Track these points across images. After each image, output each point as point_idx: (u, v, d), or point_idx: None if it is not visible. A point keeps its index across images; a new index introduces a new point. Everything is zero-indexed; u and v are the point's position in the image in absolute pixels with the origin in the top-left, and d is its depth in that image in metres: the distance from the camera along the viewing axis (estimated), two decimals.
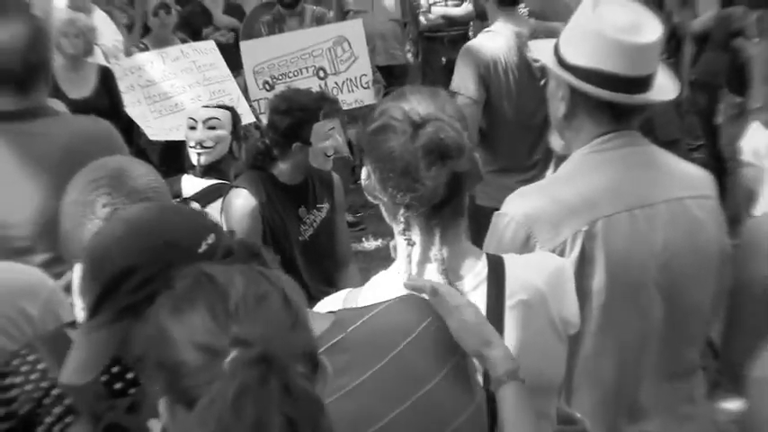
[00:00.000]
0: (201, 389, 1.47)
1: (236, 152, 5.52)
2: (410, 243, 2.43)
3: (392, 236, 2.55)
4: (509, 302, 2.40)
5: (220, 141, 5.35)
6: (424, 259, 2.46)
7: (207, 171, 5.42)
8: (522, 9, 7.01)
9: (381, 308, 2.14)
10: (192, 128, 5.54)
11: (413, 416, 2.02)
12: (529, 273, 2.47)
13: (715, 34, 8.45)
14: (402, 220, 2.42)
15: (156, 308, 1.64)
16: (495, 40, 5.76)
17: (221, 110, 5.64)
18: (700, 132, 9.35)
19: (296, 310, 1.63)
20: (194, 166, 5.51)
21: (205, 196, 5.08)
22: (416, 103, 2.41)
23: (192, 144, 5.50)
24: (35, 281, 2.89)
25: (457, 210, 2.46)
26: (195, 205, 4.94)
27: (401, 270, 2.46)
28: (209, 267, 1.66)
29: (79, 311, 2.13)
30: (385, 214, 2.53)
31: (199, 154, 5.45)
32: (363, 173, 2.49)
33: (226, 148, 5.30)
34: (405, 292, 2.32)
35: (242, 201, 4.67)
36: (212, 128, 5.42)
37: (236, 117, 5.51)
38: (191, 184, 5.35)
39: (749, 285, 2.98)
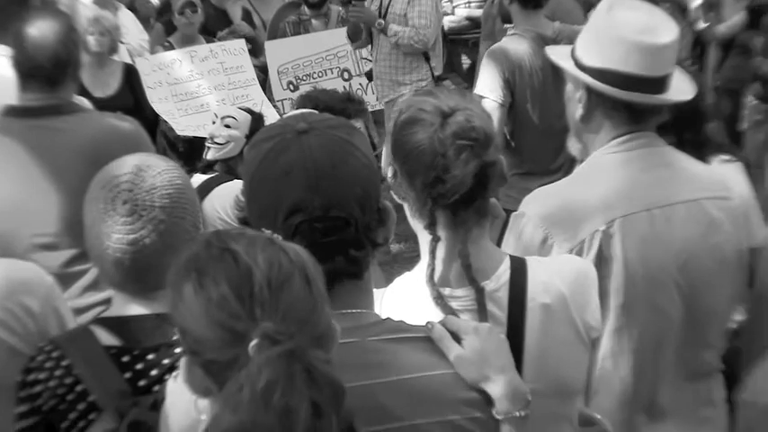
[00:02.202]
0: (224, 365, 1.56)
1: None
2: (435, 239, 2.42)
3: (415, 238, 2.54)
4: (531, 305, 2.39)
5: (232, 141, 5.29)
6: (449, 256, 2.44)
7: (210, 167, 5.36)
8: None
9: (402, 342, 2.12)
10: (213, 122, 5.52)
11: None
12: (552, 276, 2.45)
13: (740, 40, 8.41)
14: (428, 214, 2.41)
15: (179, 276, 1.68)
16: (519, 44, 5.74)
17: (242, 111, 5.57)
18: (723, 139, 9.31)
19: (316, 291, 1.67)
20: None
21: (202, 191, 4.96)
22: (444, 97, 2.42)
23: (207, 137, 5.48)
24: (34, 277, 2.89)
25: (481, 210, 2.45)
26: None
27: (425, 266, 2.44)
28: (234, 242, 1.68)
29: None
30: (409, 213, 2.51)
31: (208, 147, 5.40)
32: (390, 171, 2.48)
33: (238, 149, 5.24)
34: (425, 291, 2.36)
35: (236, 185, 4.65)
36: (228, 126, 5.37)
37: (257, 123, 5.46)
38: (194, 181, 5.24)
39: None
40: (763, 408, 1.89)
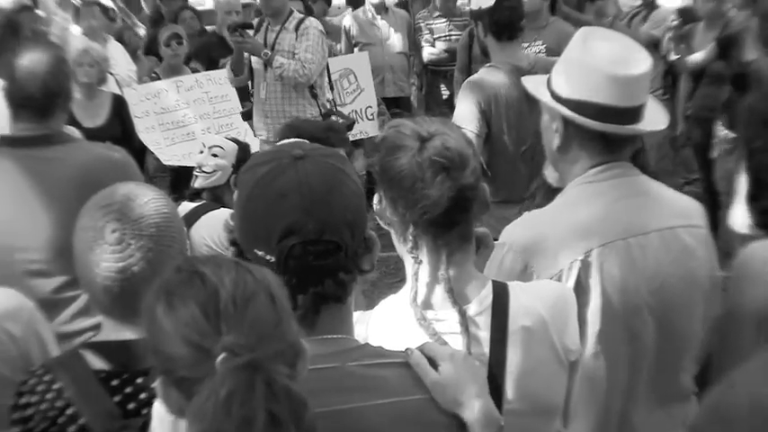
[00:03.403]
0: (194, 381, 1.57)
1: (233, 185, 5.44)
2: (417, 261, 2.44)
3: (396, 265, 2.56)
4: (512, 328, 2.41)
5: (219, 170, 5.32)
6: (433, 279, 2.46)
7: (197, 195, 5.40)
8: (541, 45, 7.05)
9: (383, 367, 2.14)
10: (201, 152, 5.55)
11: None
12: (532, 300, 2.47)
13: (711, 70, 8.48)
14: (411, 238, 2.44)
15: (152, 300, 1.72)
16: (494, 75, 5.72)
17: (229, 141, 5.62)
18: (695, 166, 9.35)
19: (280, 308, 1.71)
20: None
21: (189, 219, 5.01)
22: (425, 123, 2.45)
23: (195, 166, 5.51)
24: (17, 303, 2.92)
25: (464, 235, 2.48)
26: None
27: (408, 289, 2.46)
28: (202, 265, 1.72)
29: None
30: (395, 238, 2.54)
31: (195, 176, 5.44)
32: (375, 198, 2.50)
33: (224, 178, 5.26)
34: (410, 313, 2.38)
35: (223, 213, 4.65)
36: (215, 155, 5.41)
37: (244, 153, 5.46)
38: (182, 209, 5.21)
39: (741, 315, 2.98)
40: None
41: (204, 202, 5.27)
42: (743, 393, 1.71)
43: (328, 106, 8.28)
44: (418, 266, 2.45)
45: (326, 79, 8.63)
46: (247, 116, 8.55)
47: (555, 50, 6.00)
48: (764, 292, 2.71)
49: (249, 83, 8.37)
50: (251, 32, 8.11)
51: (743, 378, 1.80)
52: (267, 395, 1.48)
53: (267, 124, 8.03)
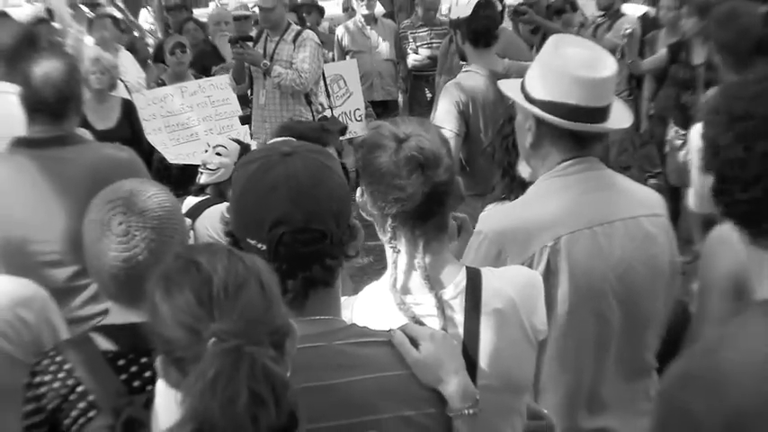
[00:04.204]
0: (190, 361, 1.60)
1: None
2: (395, 250, 2.44)
3: (381, 253, 2.56)
4: (485, 310, 2.40)
5: (223, 167, 5.34)
6: (410, 267, 2.45)
7: (202, 190, 5.43)
8: None
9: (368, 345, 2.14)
10: (206, 151, 5.60)
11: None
12: (503, 284, 2.46)
13: (671, 72, 8.51)
14: (389, 229, 2.43)
15: (152, 285, 1.74)
16: (472, 79, 5.72)
17: (231, 141, 5.65)
18: (658, 161, 9.36)
19: (269, 294, 1.72)
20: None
21: (193, 212, 5.07)
22: (403, 125, 2.44)
23: (200, 164, 5.54)
24: (31, 292, 2.93)
25: (440, 225, 2.46)
26: (188, 221, 4.95)
27: (389, 275, 2.46)
28: (198, 254, 1.74)
29: None
30: (377, 229, 2.53)
31: (201, 173, 5.47)
32: (358, 192, 2.50)
33: (227, 174, 5.25)
34: (391, 298, 2.39)
35: (224, 207, 4.64)
36: (219, 154, 5.45)
37: (245, 151, 5.45)
38: (187, 203, 5.32)
39: (714, 286, 2.96)
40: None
41: (208, 196, 5.28)
42: (717, 357, 1.72)
43: (321, 110, 8.24)
44: (397, 255, 2.45)
45: (322, 85, 8.63)
46: (245, 120, 8.53)
47: (500, 55, 6.01)
48: (734, 258, 2.69)
49: (249, 90, 8.36)
50: (251, 44, 8.10)
51: (715, 343, 1.80)
52: (250, 376, 1.50)
53: (265, 128, 8.00)
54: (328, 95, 8.85)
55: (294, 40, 8.02)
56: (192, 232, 4.85)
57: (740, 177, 1.86)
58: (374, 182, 2.41)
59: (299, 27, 8.24)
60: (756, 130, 1.84)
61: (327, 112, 8.41)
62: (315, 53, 8.00)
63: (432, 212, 2.41)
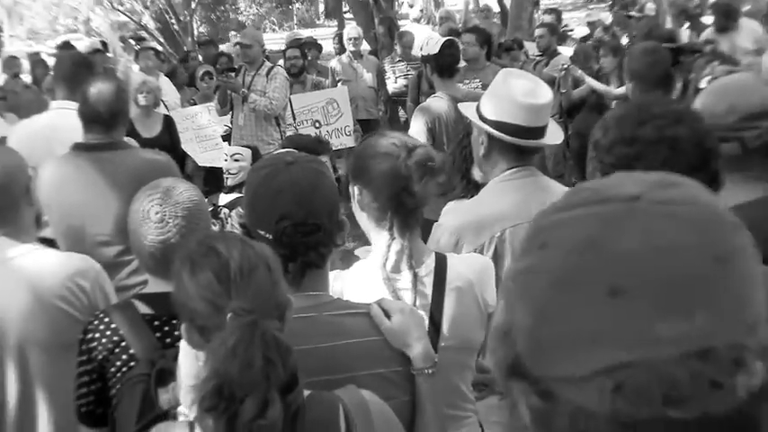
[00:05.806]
0: (210, 329, 1.63)
1: None
2: (392, 237, 2.42)
3: (366, 240, 2.54)
4: (449, 287, 2.42)
5: (242, 170, 5.44)
6: (400, 250, 2.43)
7: (231, 190, 5.53)
8: (478, 83, 7.29)
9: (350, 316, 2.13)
10: (226, 160, 5.69)
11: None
12: (464, 267, 2.48)
13: (590, 101, 8.63)
14: (389, 221, 2.41)
15: (178, 265, 1.75)
16: (438, 103, 5.74)
17: (245, 149, 5.82)
18: (579, 173, 9.41)
19: (275, 275, 1.73)
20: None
21: (231, 205, 5.23)
22: (401, 137, 2.45)
23: (224, 170, 5.65)
24: (87, 265, 2.93)
25: (418, 217, 2.46)
26: (226, 211, 5.22)
27: (379, 256, 2.44)
28: (216, 242, 1.74)
29: None
30: (365, 221, 2.50)
31: (226, 178, 5.62)
32: (354, 191, 2.46)
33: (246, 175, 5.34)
34: (375, 274, 2.40)
35: None
36: (236, 160, 5.56)
37: (256, 155, 5.60)
38: (224, 198, 5.52)
39: None
40: None
41: (240, 195, 5.36)
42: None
43: (288, 132, 8.13)
44: (392, 241, 2.42)
45: (289, 112, 8.70)
46: (225, 138, 8.63)
47: (486, 86, 6.05)
48: None
49: (230, 114, 8.40)
50: (233, 74, 8.16)
51: None
52: (262, 344, 1.53)
53: (242, 145, 7.96)
54: (294, 118, 8.89)
55: (267, 74, 8.03)
56: (229, 219, 4.99)
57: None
58: (379, 183, 2.39)
59: (270, 64, 8.26)
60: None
61: (291, 131, 8.37)
62: (283, 84, 8.05)
63: (419, 206, 2.42)
